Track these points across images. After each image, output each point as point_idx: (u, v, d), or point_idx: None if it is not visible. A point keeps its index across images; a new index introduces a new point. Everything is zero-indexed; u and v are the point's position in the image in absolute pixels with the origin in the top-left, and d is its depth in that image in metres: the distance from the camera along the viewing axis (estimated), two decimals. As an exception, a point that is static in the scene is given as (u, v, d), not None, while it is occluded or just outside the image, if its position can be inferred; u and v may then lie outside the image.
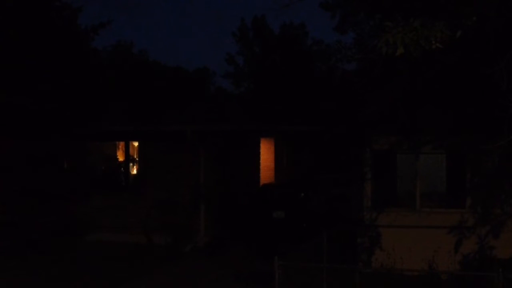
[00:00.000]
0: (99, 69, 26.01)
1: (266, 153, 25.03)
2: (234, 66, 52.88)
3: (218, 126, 20.10)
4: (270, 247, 16.97)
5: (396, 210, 15.17)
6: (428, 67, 14.10)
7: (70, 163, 21.25)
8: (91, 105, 21.13)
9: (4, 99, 18.19)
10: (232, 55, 52.64)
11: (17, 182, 18.89)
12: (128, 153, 21.69)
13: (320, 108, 28.12)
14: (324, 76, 40.90)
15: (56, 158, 20.84)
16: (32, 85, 19.01)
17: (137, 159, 21.67)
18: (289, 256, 13.82)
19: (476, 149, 14.54)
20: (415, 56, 8.01)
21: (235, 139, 21.42)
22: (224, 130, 20.02)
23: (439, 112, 14.69)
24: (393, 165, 15.60)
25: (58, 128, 19.73)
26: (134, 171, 21.91)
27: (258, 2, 73.84)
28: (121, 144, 21.97)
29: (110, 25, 21.53)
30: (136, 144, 21.68)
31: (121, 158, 22.19)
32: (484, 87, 13.06)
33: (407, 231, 14.91)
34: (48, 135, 19.55)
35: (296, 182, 23.66)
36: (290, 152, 27.06)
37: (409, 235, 14.84)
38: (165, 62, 63.42)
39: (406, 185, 15.47)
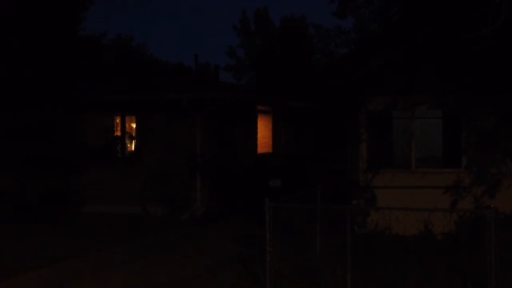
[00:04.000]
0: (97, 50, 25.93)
1: (263, 130, 24.94)
2: (235, 59, 52.79)
3: (214, 94, 20.03)
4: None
5: (392, 171, 15.08)
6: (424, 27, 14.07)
7: (68, 135, 21.18)
8: (88, 77, 21.13)
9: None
10: (233, 48, 52.58)
11: (16, 151, 18.85)
12: (124, 128, 21.68)
13: (318, 87, 28.07)
14: (323, 71, 40.83)
15: (55, 129, 20.78)
16: (28, 54, 18.96)
17: (134, 135, 21.66)
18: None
19: (472, 108, 14.46)
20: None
21: (232, 111, 21.34)
22: (220, 98, 19.92)
23: (435, 71, 14.58)
24: (388, 127, 15.53)
25: (55, 96, 19.68)
26: (132, 148, 21.89)
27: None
28: (118, 119, 21.93)
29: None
30: (133, 124, 21.69)
31: (118, 133, 22.15)
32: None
33: (402, 192, 14.81)
34: (45, 104, 19.48)
35: (294, 155, 23.63)
36: (289, 129, 26.97)
37: (404, 196, 14.71)
38: (166, 58, 63.28)
39: (402, 146, 15.39)
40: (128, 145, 21.97)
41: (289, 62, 43.62)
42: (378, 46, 15.53)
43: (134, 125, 21.81)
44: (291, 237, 11.68)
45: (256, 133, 23.84)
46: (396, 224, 14.20)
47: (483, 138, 14.67)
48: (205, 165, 19.88)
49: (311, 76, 38.36)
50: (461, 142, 15.01)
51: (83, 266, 12.98)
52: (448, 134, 15.40)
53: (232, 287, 11.34)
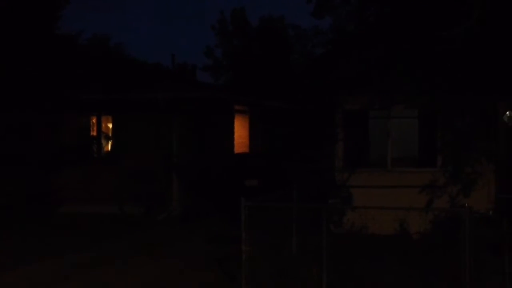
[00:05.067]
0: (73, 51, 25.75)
1: (241, 129, 24.94)
2: (213, 59, 52.70)
3: (190, 93, 19.98)
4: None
5: (368, 170, 15.14)
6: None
7: (44, 135, 21.05)
8: (64, 76, 21.00)
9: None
10: (211, 48, 52.49)
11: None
12: (100, 127, 21.57)
13: (295, 87, 28.06)
14: (301, 71, 40.88)
15: (31, 130, 20.65)
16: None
17: (110, 135, 21.55)
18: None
19: (447, 108, 14.55)
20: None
21: (209, 111, 21.30)
22: (197, 98, 19.88)
23: (410, 71, 14.64)
24: (365, 126, 15.58)
25: (33, 97, 19.56)
26: (109, 148, 21.78)
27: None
28: (95, 119, 21.80)
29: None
30: (110, 124, 21.58)
31: (94, 132, 22.01)
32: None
33: (378, 191, 14.86)
34: (24, 106, 19.38)
35: (271, 154, 23.63)
36: (267, 129, 26.97)
37: (380, 195, 14.76)
38: (144, 58, 62.92)
39: (378, 145, 15.45)
40: (105, 145, 21.86)
41: (267, 62, 43.65)
42: (354, 46, 15.58)
43: (110, 125, 21.68)
44: (267, 237, 11.66)
45: (233, 132, 23.82)
46: (372, 223, 14.26)
47: (458, 138, 14.76)
48: (182, 165, 19.83)
49: (289, 76, 38.36)
50: (437, 142, 15.12)
51: (56, 268, 12.84)
52: (423, 133, 15.50)
53: (208, 287, 11.31)
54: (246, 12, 50.61)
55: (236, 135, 24.08)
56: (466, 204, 12.84)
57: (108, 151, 21.65)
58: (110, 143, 21.62)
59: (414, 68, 14.65)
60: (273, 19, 49.67)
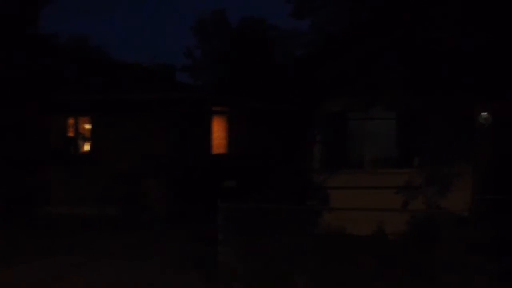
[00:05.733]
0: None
1: (219, 130, 24.87)
2: (192, 60, 52.60)
3: (168, 94, 19.96)
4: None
5: (346, 171, 15.19)
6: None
7: (21, 136, 20.91)
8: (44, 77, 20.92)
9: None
10: (190, 48, 52.39)
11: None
12: (77, 129, 21.48)
13: (275, 88, 28.10)
14: (283, 71, 40.92)
15: (12, 130, 20.52)
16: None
17: (91, 136, 21.45)
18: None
19: (425, 110, 14.64)
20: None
21: (188, 111, 21.25)
22: (176, 98, 19.85)
23: (389, 73, 14.72)
24: (344, 127, 15.65)
25: (10, 98, 19.45)
26: (85, 148, 21.68)
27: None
28: (73, 120, 21.71)
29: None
30: (89, 125, 21.49)
31: (73, 133, 21.91)
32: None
33: (356, 193, 14.91)
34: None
35: (250, 155, 23.62)
36: (246, 129, 26.92)
37: (358, 196, 14.79)
38: (124, 58, 62.52)
39: (357, 147, 15.52)
40: (86, 146, 21.74)
41: (247, 63, 43.60)
42: (334, 48, 15.63)
43: (90, 126, 21.57)
44: (246, 238, 11.66)
45: (211, 133, 23.76)
46: (349, 224, 14.29)
47: (435, 139, 14.85)
48: (162, 166, 19.77)
49: (269, 77, 38.38)
50: (414, 143, 15.19)
51: (37, 270, 12.72)
52: (401, 134, 15.58)
53: (187, 288, 11.31)
54: (226, 13, 50.56)
55: (214, 136, 24.01)
56: (443, 205, 13.02)
57: (88, 152, 21.53)
58: (89, 144, 21.51)
59: (393, 70, 14.74)
60: (254, 20, 49.63)
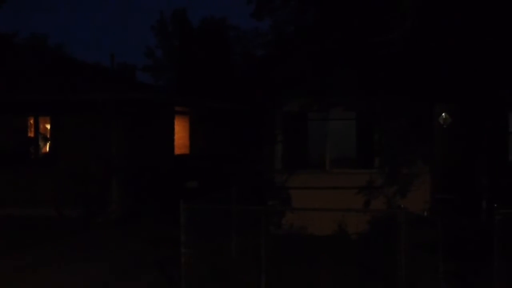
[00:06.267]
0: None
1: (181, 130, 24.82)
2: (153, 59, 52.42)
3: (129, 94, 19.83)
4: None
5: (307, 172, 15.29)
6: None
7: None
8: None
9: None
10: (151, 48, 52.20)
11: None
12: (38, 129, 21.21)
13: (236, 88, 28.15)
14: (244, 71, 41.00)
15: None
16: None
17: (48, 136, 21.21)
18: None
19: (384, 111, 14.80)
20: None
21: (149, 112, 21.17)
22: (136, 99, 19.74)
23: (349, 74, 14.84)
24: (304, 128, 15.75)
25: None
26: (47, 149, 21.43)
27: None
28: (32, 120, 21.42)
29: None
30: (48, 125, 21.24)
31: (32, 134, 21.62)
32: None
33: (317, 193, 15.01)
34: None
35: (212, 155, 23.64)
36: (208, 130, 26.93)
37: (319, 196, 14.90)
38: (84, 58, 61.95)
39: (317, 147, 15.61)
40: (43, 146, 21.48)
41: (208, 63, 43.57)
42: (294, 48, 15.72)
43: (48, 126, 21.33)
44: (207, 239, 11.65)
45: (173, 134, 23.71)
46: (311, 224, 14.34)
47: (395, 139, 15.04)
48: (121, 166, 19.64)
49: (230, 77, 38.41)
50: (374, 143, 15.35)
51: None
52: (361, 135, 15.73)
53: (147, 289, 11.27)
54: (187, 13, 50.48)
55: (176, 136, 23.96)
56: (402, 205, 13.16)
57: (46, 153, 21.28)
58: (48, 144, 21.27)
59: (352, 71, 14.87)
60: (214, 20, 49.63)
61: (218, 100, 26.08)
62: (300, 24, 16.46)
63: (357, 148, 15.73)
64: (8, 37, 23.18)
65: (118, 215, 19.10)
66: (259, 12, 16.98)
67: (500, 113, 16.17)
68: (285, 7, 16.66)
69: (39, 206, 19.37)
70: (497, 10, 13.17)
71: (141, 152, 20.53)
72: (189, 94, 27.38)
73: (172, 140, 23.65)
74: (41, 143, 21.31)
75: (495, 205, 9.34)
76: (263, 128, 16.56)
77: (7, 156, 20.63)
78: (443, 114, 17.05)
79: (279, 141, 15.42)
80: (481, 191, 14.73)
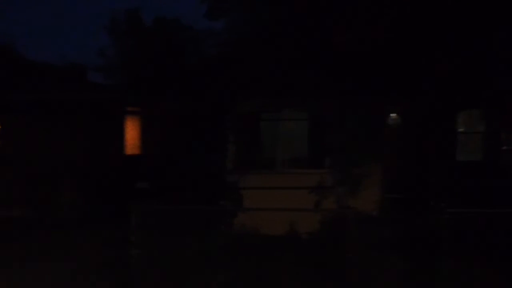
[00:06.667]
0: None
1: (132, 131, 24.63)
2: (105, 59, 51.84)
3: (80, 94, 19.63)
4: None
5: (259, 172, 15.34)
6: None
7: None
8: None
9: None
10: (103, 48, 51.60)
11: None
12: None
13: (190, 88, 28.03)
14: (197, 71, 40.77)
15: None
16: None
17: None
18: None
19: (335, 111, 14.92)
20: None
21: (100, 112, 20.96)
22: (87, 99, 19.55)
23: (301, 75, 14.93)
24: (257, 128, 15.78)
25: None
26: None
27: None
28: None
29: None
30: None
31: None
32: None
33: (269, 193, 15.04)
34: None
35: (164, 156, 23.47)
36: (160, 130, 26.74)
37: (271, 196, 14.93)
38: (35, 57, 60.93)
39: (270, 147, 15.68)
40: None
41: (162, 63, 43.28)
42: (248, 49, 15.75)
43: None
44: (160, 240, 11.62)
45: (124, 134, 23.50)
46: (263, 224, 14.44)
47: (346, 139, 15.17)
48: (74, 167, 19.42)
49: (184, 78, 38.20)
50: (326, 144, 15.46)
51: None
52: (313, 135, 15.83)
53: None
54: (141, 12, 49.98)
55: (128, 136, 23.76)
56: (353, 205, 13.33)
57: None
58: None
59: (304, 71, 14.97)
60: (168, 20, 49.31)
61: (170, 101, 25.90)
62: (254, 24, 16.48)
63: (309, 148, 15.83)
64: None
65: (70, 216, 18.84)
66: (212, 13, 17.00)
67: (448, 114, 16.46)
68: (238, 7, 16.69)
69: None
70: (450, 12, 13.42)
71: (92, 152, 20.32)
72: (141, 94, 27.10)
73: (123, 140, 23.45)
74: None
75: (443, 204, 9.51)
76: (216, 128, 16.54)
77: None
78: (394, 114, 17.29)
79: (232, 142, 15.42)
80: (430, 190, 14.95)
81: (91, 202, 19.24)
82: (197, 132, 26.90)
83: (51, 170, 19.28)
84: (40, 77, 21.94)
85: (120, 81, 49.26)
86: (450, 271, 9.72)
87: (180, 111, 26.66)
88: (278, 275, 11.08)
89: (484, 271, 10.93)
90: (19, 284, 11.64)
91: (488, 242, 11.56)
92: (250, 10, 16.60)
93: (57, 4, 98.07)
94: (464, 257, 10.72)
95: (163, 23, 48.55)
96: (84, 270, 12.55)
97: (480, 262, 11.15)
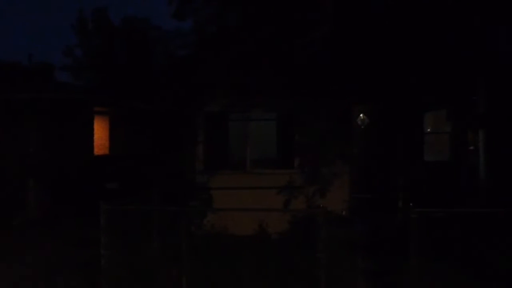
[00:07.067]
0: None
1: (101, 131, 24.46)
2: (73, 59, 51.39)
3: (46, 94, 19.46)
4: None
5: (228, 172, 15.35)
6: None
7: None
8: None
9: None
10: (71, 47, 51.14)
11: None
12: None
13: (158, 88, 27.93)
14: (165, 71, 40.73)
15: None
16: None
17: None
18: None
19: (304, 111, 14.97)
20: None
21: (67, 111, 20.79)
22: (54, 98, 19.38)
23: (270, 74, 14.94)
24: (225, 128, 15.79)
25: None
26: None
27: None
28: None
29: None
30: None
31: None
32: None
33: (238, 193, 15.09)
34: None
35: (133, 156, 23.40)
36: (129, 130, 26.61)
37: (240, 196, 15.00)
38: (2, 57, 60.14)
39: (238, 147, 15.69)
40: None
41: (130, 63, 43.10)
42: (215, 48, 15.73)
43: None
44: (129, 240, 11.55)
45: (92, 134, 23.32)
46: (232, 224, 14.46)
47: (315, 139, 15.22)
48: (39, 167, 19.24)
49: (152, 77, 38.06)
50: (294, 144, 15.52)
51: None
52: (282, 135, 15.89)
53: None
54: (108, 12, 49.65)
55: (96, 137, 23.58)
56: (322, 204, 13.39)
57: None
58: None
59: (273, 71, 14.99)
60: (136, 20, 49.06)
61: (139, 100, 25.80)
62: (222, 24, 16.47)
63: (278, 148, 15.87)
64: None
65: (36, 217, 18.69)
66: (180, 13, 16.93)
67: (416, 114, 16.63)
68: (207, 8, 16.66)
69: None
70: (411, 15, 13.55)
71: (59, 152, 20.15)
72: (110, 94, 26.96)
73: (92, 140, 23.28)
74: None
75: (411, 204, 9.59)
76: (185, 128, 16.51)
77: None
78: (361, 115, 17.42)
79: (201, 142, 15.41)
80: (397, 190, 15.09)
81: (58, 203, 19.08)
82: (166, 132, 26.90)
83: (18, 170, 19.09)
84: (6, 76, 21.71)
85: (88, 81, 48.95)
86: (418, 270, 9.80)
87: (149, 111, 26.63)
88: (246, 275, 11.08)
89: (452, 270, 11.06)
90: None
91: (456, 242, 11.70)
92: (217, 11, 16.59)
93: (27, 2, 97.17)
94: (432, 257, 10.82)
95: (131, 23, 48.32)
96: (51, 270, 12.45)
97: (448, 262, 11.27)
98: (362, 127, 17.27)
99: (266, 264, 11.73)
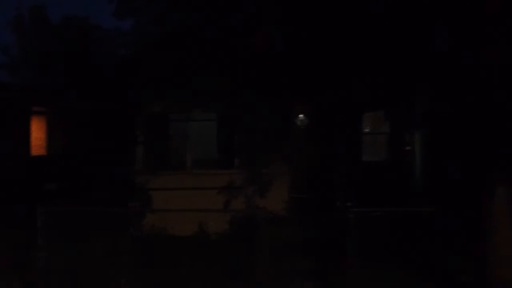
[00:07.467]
0: None
1: (38, 131, 24.00)
2: (9, 57, 50.37)
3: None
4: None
5: (168, 173, 15.33)
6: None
7: None
8: None
9: None
10: (8, 45, 50.11)
11: None
12: None
13: (98, 88, 27.61)
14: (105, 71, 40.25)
15: None
16: None
17: None
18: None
19: (245, 111, 15.03)
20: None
21: (3, 112, 20.33)
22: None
23: (211, 75, 14.94)
24: (166, 129, 15.74)
25: None
26: None
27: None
28: None
29: None
30: None
31: None
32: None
33: (178, 194, 15.05)
34: None
35: (73, 157, 23.03)
36: (68, 131, 26.19)
37: (180, 197, 14.94)
38: None
39: (179, 148, 15.67)
40: None
41: (70, 62, 42.44)
42: (156, 49, 15.66)
43: None
44: (68, 242, 11.41)
45: (29, 134, 22.87)
46: (172, 225, 14.41)
47: (254, 140, 15.30)
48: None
49: (92, 77, 37.57)
50: (235, 144, 15.57)
51: None
52: (222, 136, 15.91)
53: (3, 296, 10.87)
54: (47, 10, 48.79)
55: (33, 137, 23.13)
56: (261, 205, 13.47)
57: None
58: None
59: (213, 72, 14.99)
60: (76, 19, 48.35)
61: (78, 101, 25.40)
62: (160, 25, 16.39)
63: (218, 149, 15.90)
64: None
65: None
66: (120, 12, 16.79)
67: (354, 115, 16.84)
68: (147, 7, 16.57)
69: None
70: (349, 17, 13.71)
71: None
72: (48, 94, 26.45)
73: (28, 140, 22.82)
74: None
75: (349, 204, 9.72)
76: (125, 129, 16.39)
77: None
78: (301, 115, 17.56)
79: (141, 142, 15.32)
80: (336, 190, 15.25)
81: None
82: (106, 132, 26.57)
83: None
84: None
85: (25, 80, 48.01)
86: (356, 270, 9.94)
87: (89, 111, 26.25)
88: (186, 275, 11.08)
89: (390, 269, 11.23)
90: None
91: (393, 241, 11.89)
92: (156, 10, 16.51)
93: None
94: (370, 256, 10.98)
95: (70, 22, 47.60)
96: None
97: (386, 261, 11.44)
98: (302, 127, 17.42)
99: (205, 265, 11.74)
